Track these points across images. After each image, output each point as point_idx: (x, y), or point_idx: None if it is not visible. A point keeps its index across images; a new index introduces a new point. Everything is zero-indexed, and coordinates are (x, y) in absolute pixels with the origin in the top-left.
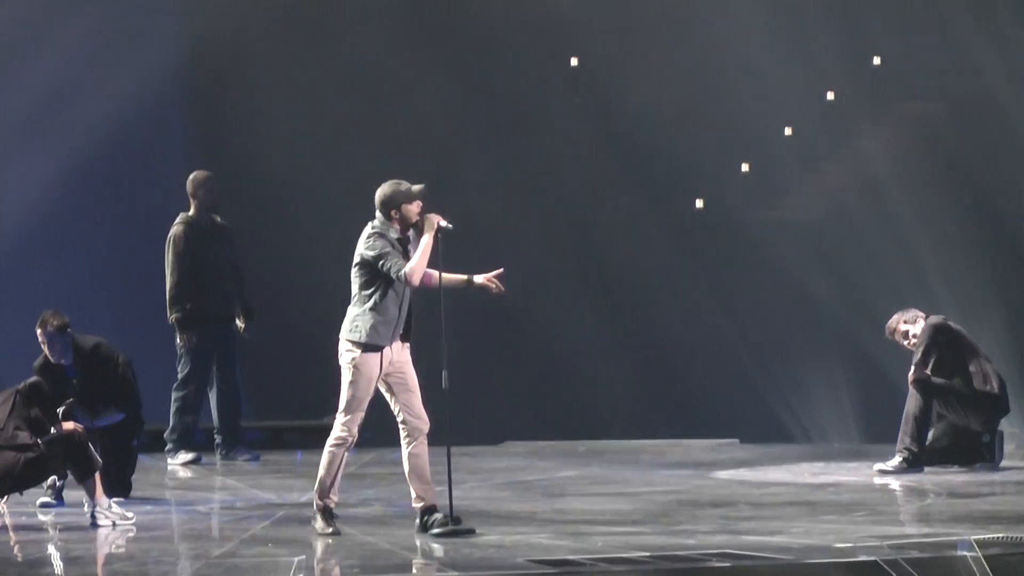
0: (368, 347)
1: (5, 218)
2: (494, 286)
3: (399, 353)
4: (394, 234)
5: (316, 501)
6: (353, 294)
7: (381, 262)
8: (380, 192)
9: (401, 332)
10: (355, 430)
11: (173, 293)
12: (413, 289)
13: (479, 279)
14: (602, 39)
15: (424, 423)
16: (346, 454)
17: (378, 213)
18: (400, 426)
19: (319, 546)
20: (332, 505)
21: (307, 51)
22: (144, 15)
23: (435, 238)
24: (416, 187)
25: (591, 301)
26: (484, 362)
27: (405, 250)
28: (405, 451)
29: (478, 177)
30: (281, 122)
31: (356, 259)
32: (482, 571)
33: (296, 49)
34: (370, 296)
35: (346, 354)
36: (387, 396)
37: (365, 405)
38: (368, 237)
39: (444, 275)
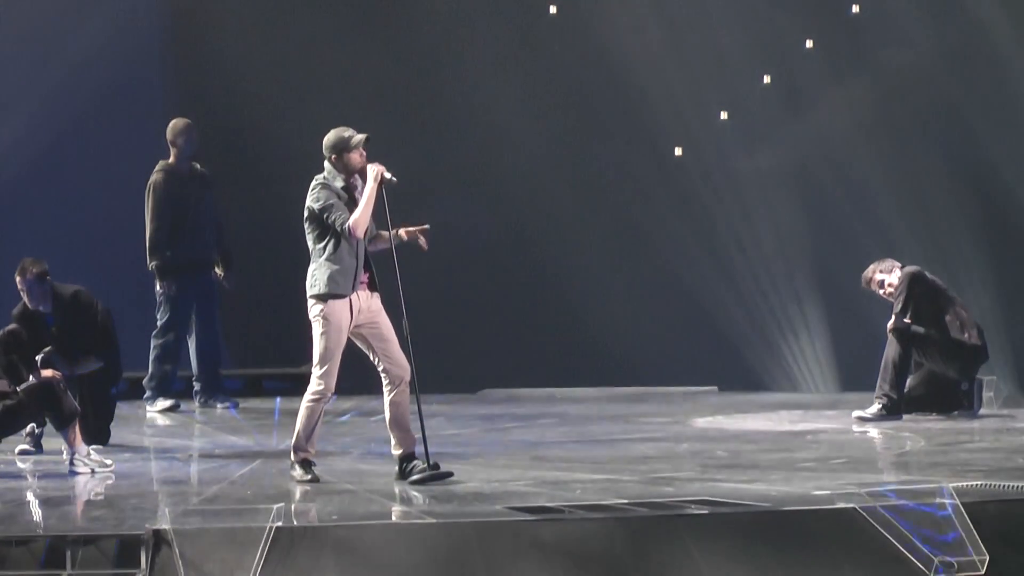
0: (330, 297)
1: None
2: (420, 239)
3: (368, 302)
4: (340, 183)
5: (294, 455)
6: (309, 249)
7: (326, 214)
8: (325, 138)
9: (364, 281)
10: (331, 383)
11: (153, 241)
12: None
13: (404, 232)
14: None
15: (404, 370)
16: (323, 408)
17: (325, 162)
18: (381, 375)
19: (297, 493)
20: (310, 457)
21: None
22: None
23: (379, 189)
24: (358, 136)
25: (569, 251)
26: (461, 310)
27: (352, 199)
28: (386, 399)
29: (458, 123)
30: (261, 69)
31: (305, 212)
32: (460, 518)
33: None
34: (324, 248)
35: (312, 309)
36: (364, 348)
37: (338, 357)
38: (313, 188)
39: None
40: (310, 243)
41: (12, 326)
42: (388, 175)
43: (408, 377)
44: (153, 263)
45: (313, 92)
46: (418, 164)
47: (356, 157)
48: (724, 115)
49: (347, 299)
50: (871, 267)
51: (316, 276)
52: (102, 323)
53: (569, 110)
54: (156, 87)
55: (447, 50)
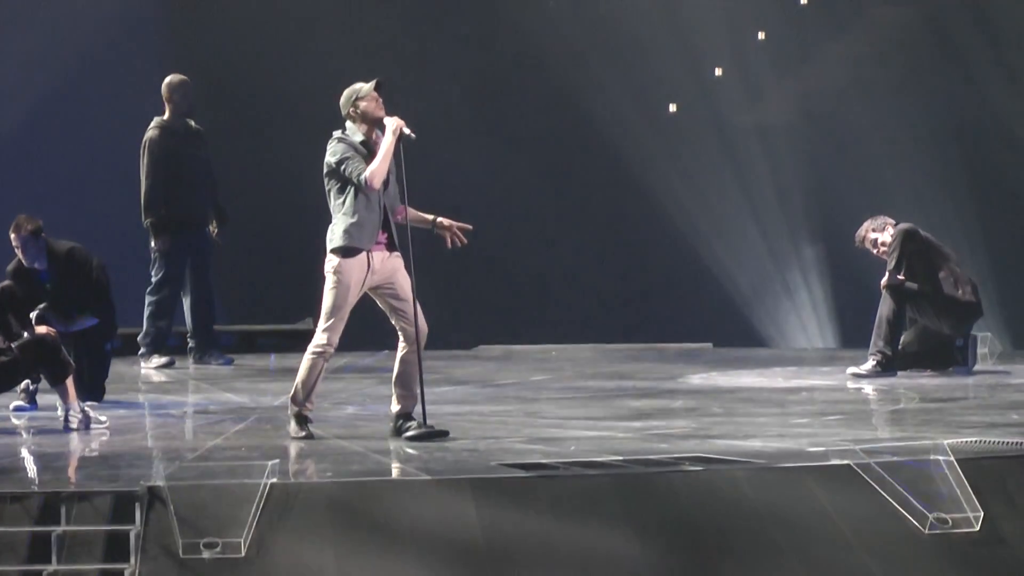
0: (346, 251)
1: None
2: (457, 238)
3: (385, 262)
4: (359, 137)
5: (291, 405)
6: (330, 206)
7: (343, 166)
8: (341, 98)
9: (383, 241)
10: (335, 339)
11: (147, 197)
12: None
13: (445, 222)
14: None
15: (421, 333)
16: (325, 363)
17: (346, 121)
18: (399, 333)
19: (292, 450)
20: (307, 412)
21: None
22: None
23: (397, 144)
24: (369, 84)
25: (565, 206)
26: (457, 267)
27: (372, 153)
28: (397, 357)
29: (450, 79)
30: (256, 25)
31: (324, 168)
32: (455, 475)
33: None
34: (343, 203)
35: (327, 264)
36: (382, 306)
37: (346, 313)
38: (330, 143)
39: (412, 212)
40: (330, 200)
41: (6, 283)
42: (407, 131)
43: (423, 339)
44: (148, 219)
45: (309, 49)
46: (412, 115)
47: (372, 104)
48: (719, 71)
49: (362, 256)
50: (864, 225)
51: (334, 231)
52: (97, 280)
53: (564, 65)
54: (151, 43)
55: (440, 10)
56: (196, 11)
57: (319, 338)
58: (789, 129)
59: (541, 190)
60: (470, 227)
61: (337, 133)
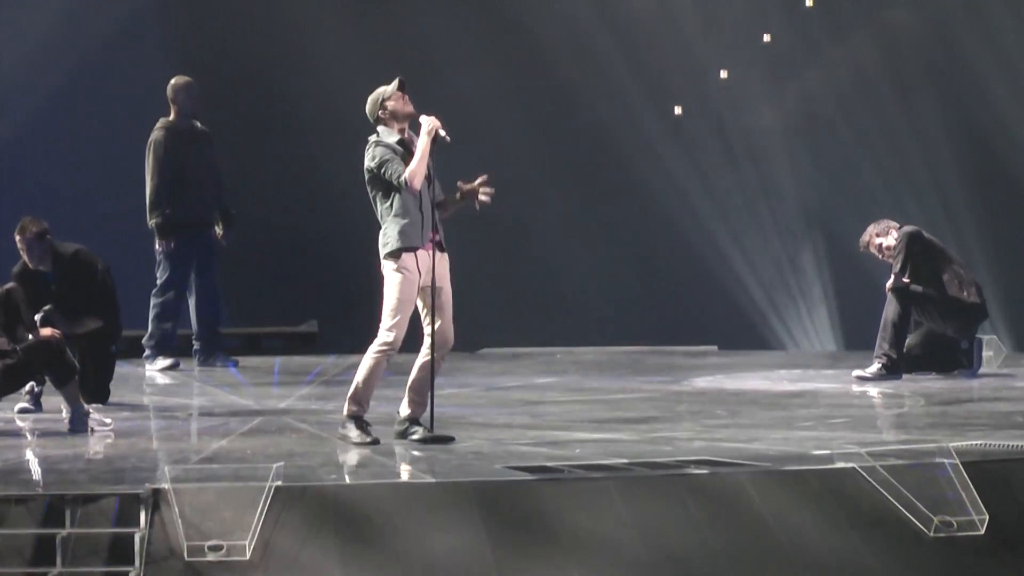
0: (404, 251)
1: None
2: (486, 194)
3: (438, 263)
4: (394, 138)
5: (349, 408)
6: (377, 212)
7: (383, 169)
8: (367, 105)
9: (437, 239)
10: (400, 336)
11: (153, 199)
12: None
13: (465, 187)
14: None
15: (448, 343)
16: (387, 363)
17: (378, 126)
18: (425, 337)
19: (297, 452)
20: (364, 415)
21: None
22: None
23: (432, 144)
24: (392, 84)
25: (570, 208)
26: (461, 268)
27: (409, 152)
28: (419, 360)
29: (460, 83)
30: (262, 27)
31: (366, 175)
32: (460, 478)
33: None
34: (391, 206)
35: (387, 266)
36: (421, 308)
37: (410, 311)
38: (368, 148)
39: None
40: (377, 206)
41: (11, 284)
42: (443, 132)
43: (447, 350)
44: (153, 221)
45: (316, 50)
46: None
47: (399, 102)
48: (724, 74)
49: (422, 253)
50: (868, 230)
51: (388, 234)
52: (102, 282)
53: (568, 67)
54: (157, 44)
55: (445, 7)
56: (201, 12)
57: (384, 336)
58: (794, 131)
59: (546, 192)
60: (484, 176)
61: (372, 138)
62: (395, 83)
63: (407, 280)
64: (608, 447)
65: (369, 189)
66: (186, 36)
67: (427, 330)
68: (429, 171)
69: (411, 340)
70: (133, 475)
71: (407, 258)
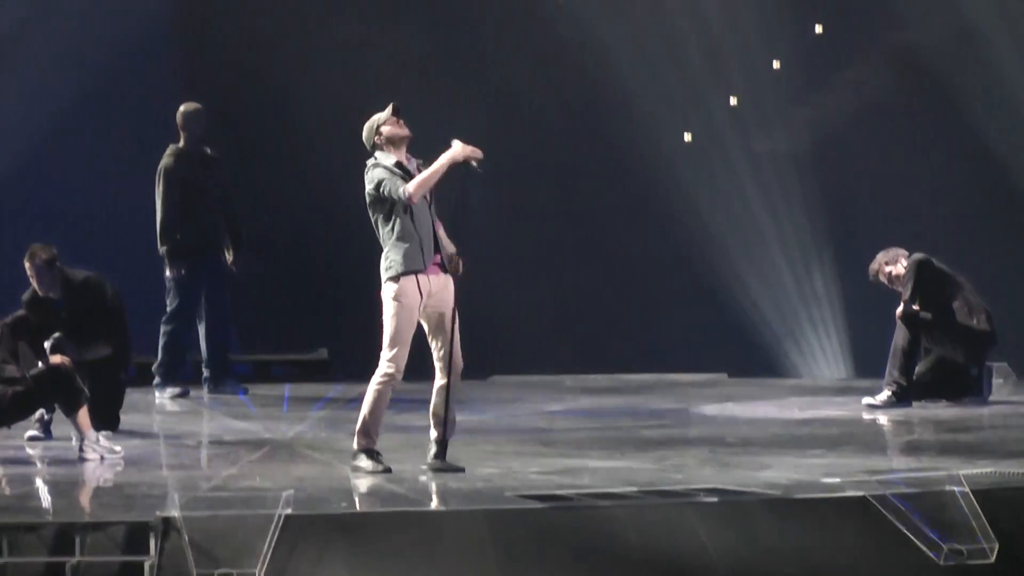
0: (404, 275)
1: None
2: (474, 162)
3: (440, 286)
4: (392, 160)
5: (359, 441)
6: (379, 235)
7: (382, 188)
8: (363, 132)
9: (436, 262)
10: (401, 365)
11: (163, 225)
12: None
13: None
14: None
15: (457, 366)
16: (391, 392)
17: (374, 150)
18: (436, 363)
19: (307, 480)
20: (376, 447)
21: None
22: None
23: (460, 167)
24: (386, 110)
25: (580, 234)
26: (472, 295)
27: (407, 173)
28: (436, 385)
29: (468, 103)
30: (271, 54)
31: (367, 199)
32: (471, 505)
33: None
34: (392, 229)
35: (386, 291)
36: (427, 331)
37: (409, 338)
38: (366, 171)
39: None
40: (379, 228)
41: (21, 312)
42: (474, 162)
43: (459, 371)
44: (163, 248)
45: (325, 76)
46: (427, 143)
47: (393, 127)
48: (734, 101)
49: (421, 279)
50: (877, 258)
51: (390, 258)
52: (112, 309)
53: (578, 94)
54: (166, 70)
55: (457, 33)
56: (211, 38)
57: (385, 367)
58: (804, 157)
59: (556, 218)
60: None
61: (370, 161)
62: (388, 109)
63: (404, 307)
64: (618, 475)
65: (371, 213)
66: (195, 62)
67: (436, 354)
68: (428, 194)
69: (422, 364)
70: (143, 503)
71: (406, 283)
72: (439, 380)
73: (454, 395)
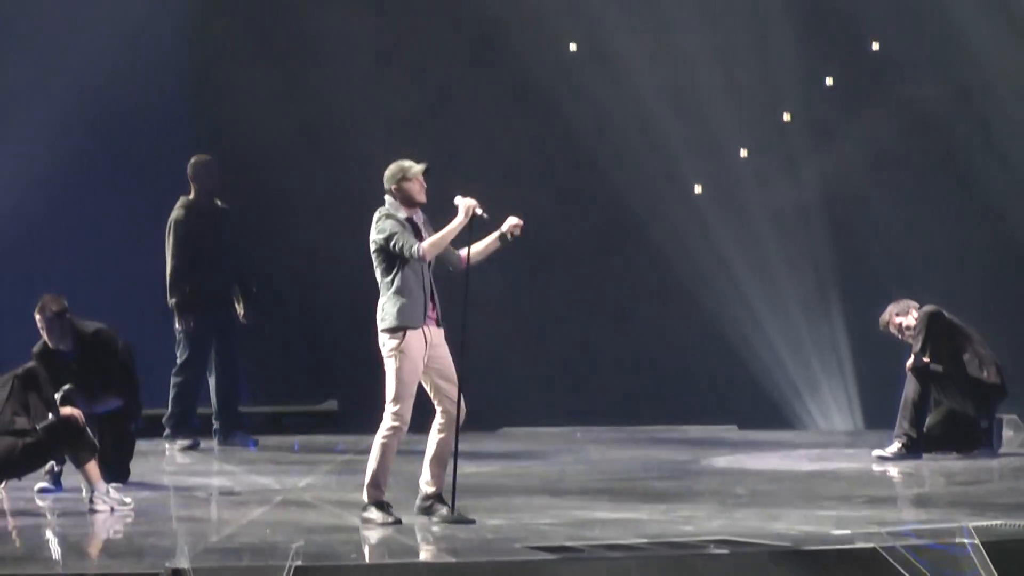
0: (403, 330)
1: (4, 201)
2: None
3: (436, 338)
4: (402, 214)
5: (369, 494)
6: (379, 282)
7: (392, 242)
8: (386, 170)
9: (433, 316)
10: (407, 417)
11: (172, 277)
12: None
13: (504, 227)
14: (600, 24)
15: (459, 413)
16: (398, 443)
17: (386, 195)
18: (437, 412)
19: (317, 531)
20: (385, 498)
21: (307, 36)
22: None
23: (469, 225)
24: (418, 166)
25: (589, 288)
26: (481, 348)
27: (415, 230)
28: (435, 435)
29: (476, 163)
30: (283, 106)
31: (372, 246)
32: (481, 557)
33: (296, 34)
34: (392, 280)
35: (386, 344)
36: (427, 384)
37: (413, 390)
38: (376, 221)
39: (475, 248)
40: (378, 276)
41: (32, 363)
42: (480, 211)
43: (461, 420)
44: (173, 299)
45: (336, 129)
46: (435, 199)
47: (416, 186)
48: (744, 153)
49: (420, 330)
50: (888, 309)
51: (386, 309)
52: (122, 360)
53: (589, 147)
54: (177, 123)
55: (464, 86)
56: (222, 91)
57: (390, 420)
58: (814, 210)
59: (566, 270)
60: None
61: (382, 209)
62: (422, 166)
63: (408, 360)
64: (628, 526)
65: (373, 259)
66: (206, 114)
67: (437, 405)
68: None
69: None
70: (153, 554)
71: (407, 337)
72: (440, 431)
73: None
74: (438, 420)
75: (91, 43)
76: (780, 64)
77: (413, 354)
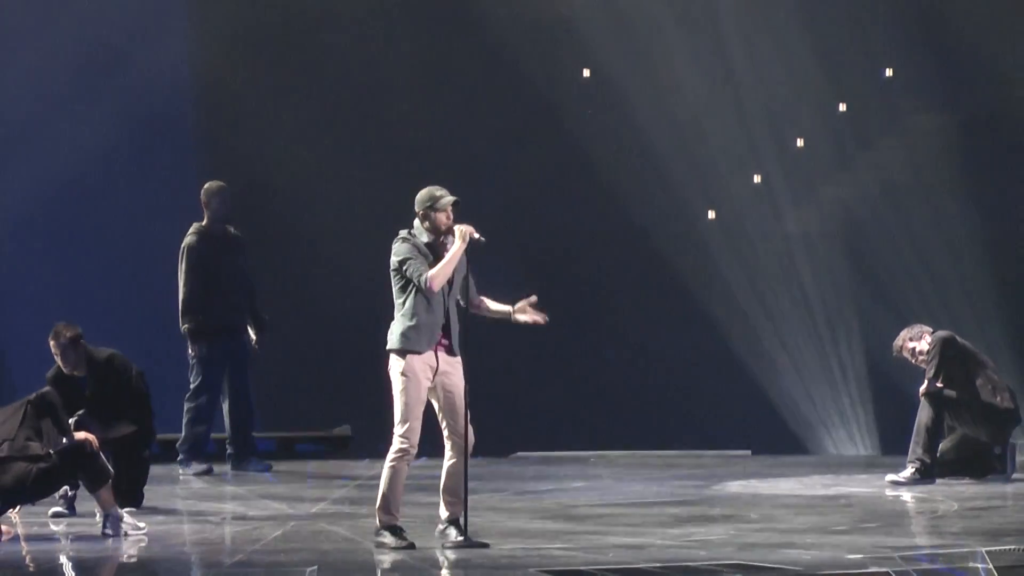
0: (405, 353)
1: (19, 230)
2: (540, 315)
3: (447, 365)
4: (425, 238)
5: (381, 518)
6: (394, 303)
7: (405, 267)
8: (418, 195)
9: (445, 343)
10: (415, 440)
11: (185, 303)
12: (456, 303)
13: (521, 318)
14: (614, 50)
15: (467, 442)
16: (407, 467)
17: (415, 219)
18: (445, 441)
19: (331, 556)
20: (398, 523)
21: (318, 61)
22: (155, 22)
23: (467, 249)
24: (448, 198)
25: (603, 313)
26: (494, 373)
27: (437, 255)
28: (445, 465)
29: (489, 189)
30: (294, 133)
31: (390, 266)
32: None
33: (307, 59)
34: (404, 303)
35: (392, 366)
36: (436, 410)
37: (419, 412)
38: (395, 242)
39: (491, 304)
40: (394, 297)
41: (46, 389)
42: (476, 235)
43: (470, 449)
44: (186, 326)
45: (346, 156)
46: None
47: (443, 217)
48: (758, 178)
49: (428, 355)
50: (901, 335)
51: (394, 331)
52: (136, 386)
53: (604, 172)
54: (189, 149)
55: (478, 113)
56: (233, 118)
57: (398, 443)
58: (828, 236)
59: (579, 295)
60: (535, 297)
61: (403, 232)
62: (451, 199)
63: (412, 383)
64: (642, 551)
65: (391, 277)
66: (219, 141)
67: (445, 433)
68: (454, 275)
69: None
70: None
71: (411, 360)
72: (450, 460)
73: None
74: (447, 448)
75: (100, 71)
76: (793, 91)
77: (417, 377)
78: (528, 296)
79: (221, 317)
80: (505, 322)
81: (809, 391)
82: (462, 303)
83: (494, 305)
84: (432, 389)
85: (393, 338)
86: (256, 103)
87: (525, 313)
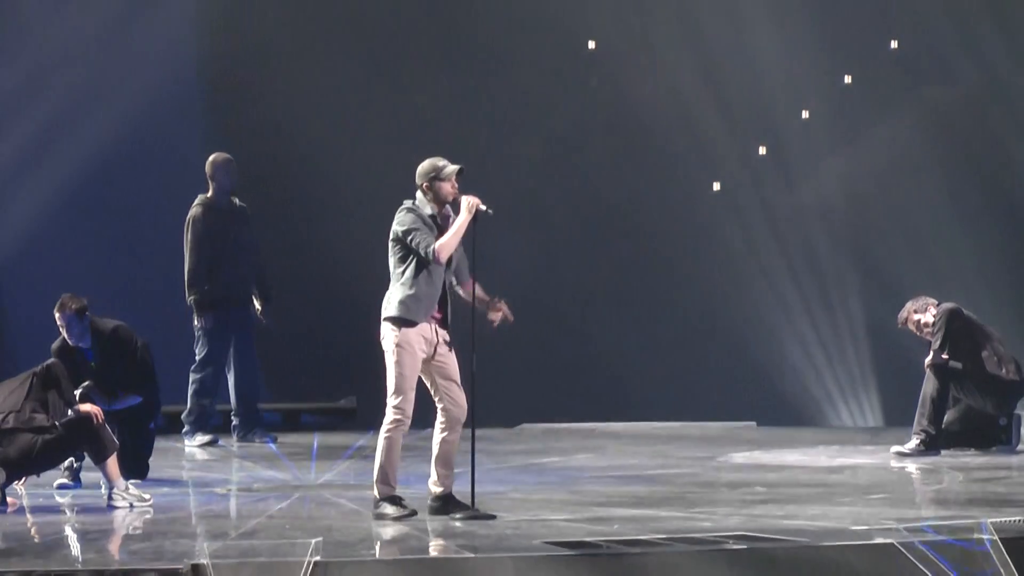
0: (402, 322)
1: (24, 201)
2: (507, 318)
3: (439, 337)
4: (429, 211)
5: (379, 489)
6: (391, 272)
7: (409, 237)
8: (419, 166)
9: (437, 316)
10: (408, 410)
11: (191, 275)
12: (449, 280)
13: (500, 304)
14: (619, 22)
15: (462, 411)
16: (402, 437)
17: (417, 191)
18: (439, 411)
19: (336, 528)
20: (395, 492)
21: (326, 34)
22: None
23: (472, 221)
24: (452, 167)
25: (608, 284)
26: (500, 344)
27: (440, 228)
28: (437, 436)
29: (495, 161)
30: (300, 105)
31: (391, 235)
32: (499, 553)
33: (315, 31)
34: (403, 272)
35: (386, 335)
36: (427, 381)
37: (413, 382)
38: (399, 212)
39: (479, 290)
40: (391, 266)
41: (51, 360)
42: (483, 207)
43: (463, 419)
44: (191, 297)
45: (354, 128)
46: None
47: (447, 187)
48: (763, 150)
49: (423, 325)
50: (906, 306)
51: (390, 299)
52: (141, 358)
53: (607, 145)
54: (195, 121)
55: (484, 86)
56: (240, 89)
57: (392, 413)
58: (833, 208)
59: (583, 268)
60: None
61: (408, 203)
62: (454, 168)
63: (406, 354)
64: (646, 523)
65: (390, 248)
66: (225, 113)
67: (438, 404)
68: (457, 249)
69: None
70: (172, 550)
71: (406, 331)
72: (444, 431)
73: (453, 447)
74: (439, 420)
75: (108, 40)
76: (799, 61)
77: (413, 349)
78: (498, 300)
79: (226, 289)
80: (481, 312)
81: (815, 363)
82: (454, 280)
83: (480, 291)
84: (427, 361)
85: (390, 306)
86: (264, 76)
87: (498, 312)
